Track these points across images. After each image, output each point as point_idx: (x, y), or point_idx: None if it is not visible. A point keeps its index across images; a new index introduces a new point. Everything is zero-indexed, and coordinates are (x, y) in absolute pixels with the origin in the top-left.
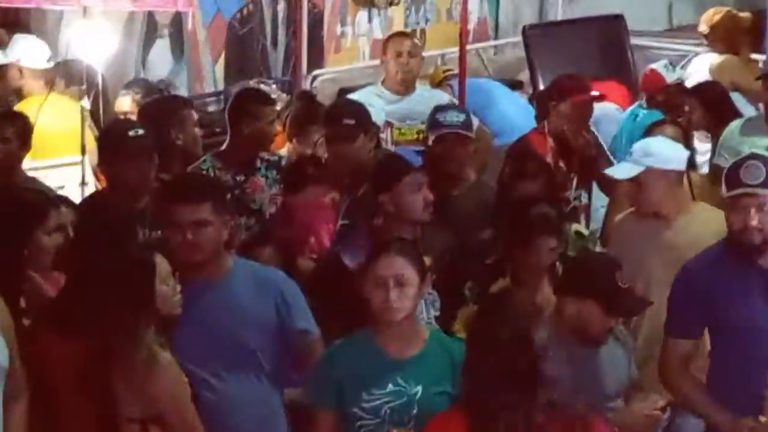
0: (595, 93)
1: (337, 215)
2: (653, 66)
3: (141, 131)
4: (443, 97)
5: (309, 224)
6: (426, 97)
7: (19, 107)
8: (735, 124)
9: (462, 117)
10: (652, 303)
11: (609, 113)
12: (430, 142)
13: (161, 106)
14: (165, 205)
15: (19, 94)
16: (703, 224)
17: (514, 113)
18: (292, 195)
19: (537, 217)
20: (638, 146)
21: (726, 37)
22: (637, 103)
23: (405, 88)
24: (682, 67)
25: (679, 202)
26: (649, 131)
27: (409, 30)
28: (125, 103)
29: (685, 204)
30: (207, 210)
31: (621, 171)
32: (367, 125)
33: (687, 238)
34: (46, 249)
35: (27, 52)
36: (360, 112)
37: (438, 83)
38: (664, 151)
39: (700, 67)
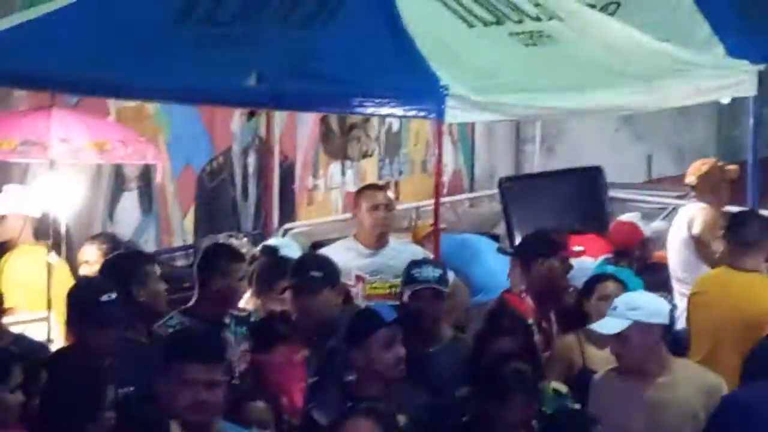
0: (578, 248)
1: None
2: (626, 218)
3: (113, 295)
4: (416, 251)
5: (281, 383)
6: (399, 251)
7: None
8: None
9: (438, 272)
10: None
11: (585, 268)
12: (405, 298)
13: (124, 261)
14: (174, 362)
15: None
16: (686, 382)
17: (501, 269)
18: (262, 354)
19: (511, 374)
20: (623, 300)
21: (713, 188)
22: (602, 259)
23: (378, 242)
24: (664, 219)
25: (662, 359)
26: (591, 286)
27: (382, 182)
28: (90, 253)
29: (667, 360)
30: (221, 370)
31: (608, 326)
32: (334, 278)
33: (670, 396)
34: (8, 407)
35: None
36: (326, 264)
37: (424, 236)
38: (650, 305)
39: (681, 219)
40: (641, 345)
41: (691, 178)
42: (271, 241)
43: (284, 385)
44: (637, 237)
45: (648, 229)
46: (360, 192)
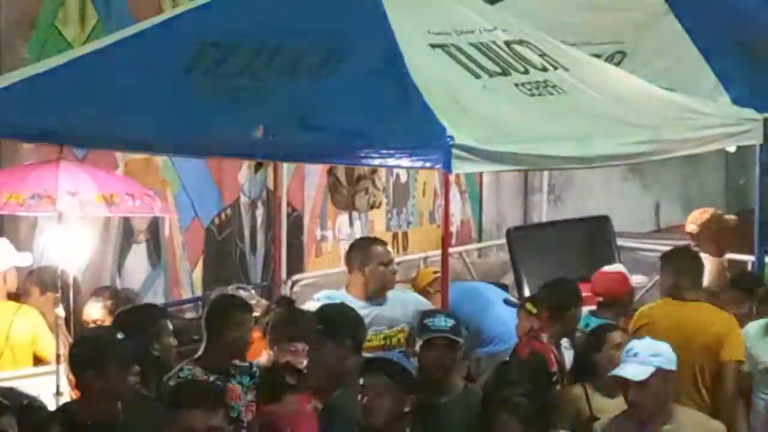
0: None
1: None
2: (610, 269)
3: (121, 336)
4: (412, 299)
5: None
6: (392, 300)
7: None
8: (753, 327)
9: (450, 322)
10: None
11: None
12: (417, 348)
13: (139, 315)
14: (176, 411)
15: None
16: (690, 429)
17: (511, 319)
18: (270, 404)
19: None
20: (643, 347)
21: (713, 237)
22: (587, 311)
23: (379, 296)
24: None
25: (670, 406)
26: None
27: (390, 234)
28: (95, 311)
29: (672, 407)
30: (221, 416)
31: (634, 372)
32: (337, 331)
33: None
34: None
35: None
36: (331, 317)
37: (426, 285)
38: (669, 352)
39: None
40: (661, 391)
41: (692, 227)
42: (323, 293)
43: None
44: (625, 287)
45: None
46: (364, 247)
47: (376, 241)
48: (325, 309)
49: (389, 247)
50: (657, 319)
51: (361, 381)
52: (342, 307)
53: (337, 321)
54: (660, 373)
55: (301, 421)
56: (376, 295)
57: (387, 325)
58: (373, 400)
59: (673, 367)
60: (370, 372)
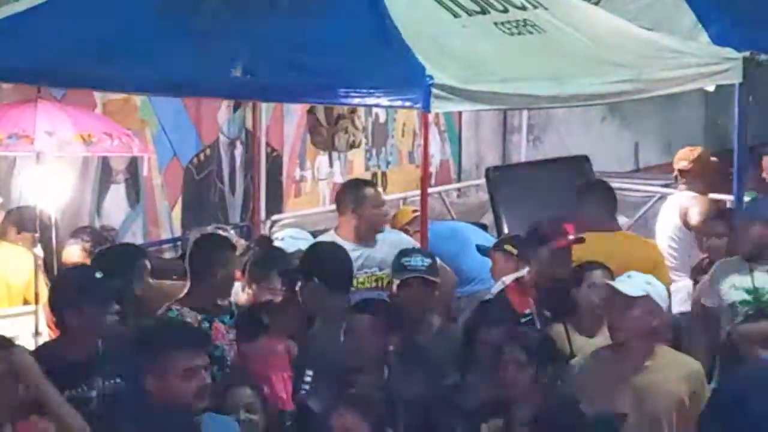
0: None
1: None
2: None
3: (99, 275)
4: (401, 239)
5: (262, 373)
6: (382, 241)
7: None
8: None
9: (428, 261)
10: None
11: None
12: (394, 287)
13: (118, 255)
14: (157, 350)
15: None
16: (670, 367)
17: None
18: (246, 343)
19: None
20: (639, 275)
21: (702, 175)
22: None
23: (370, 238)
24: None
25: (652, 344)
26: (581, 273)
27: (369, 173)
28: (74, 253)
29: (653, 345)
30: (205, 356)
31: (623, 287)
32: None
33: (657, 380)
34: None
35: None
36: (311, 258)
37: (405, 223)
38: (663, 290)
39: (671, 207)
40: (646, 320)
41: (682, 163)
42: (286, 232)
43: (265, 376)
44: None
45: None
46: (356, 190)
47: (368, 183)
48: (309, 248)
49: (380, 189)
50: (584, 255)
51: (347, 321)
52: (323, 245)
53: (315, 260)
54: (649, 300)
55: (274, 362)
56: (366, 237)
57: (378, 266)
58: (358, 340)
59: (662, 304)
60: (355, 312)
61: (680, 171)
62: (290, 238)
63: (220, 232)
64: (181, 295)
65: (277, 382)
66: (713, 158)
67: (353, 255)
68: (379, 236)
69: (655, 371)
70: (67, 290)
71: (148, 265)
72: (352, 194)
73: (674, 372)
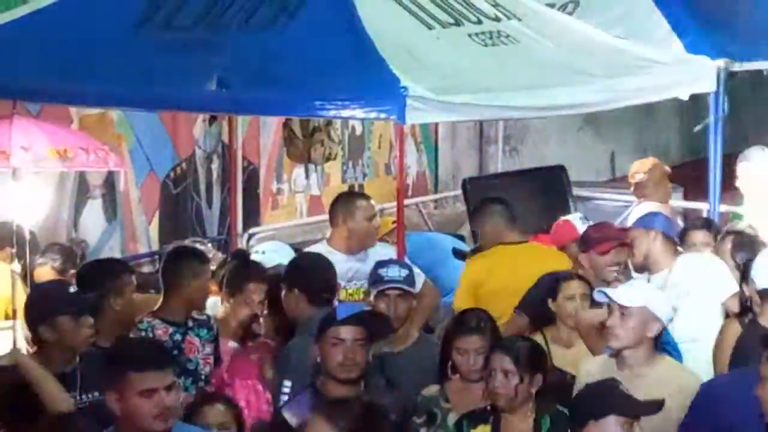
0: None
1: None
2: (568, 218)
3: (75, 290)
4: (390, 253)
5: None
6: (372, 255)
7: None
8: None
9: (404, 272)
10: None
11: None
12: (371, 298)
13: (100, 269)
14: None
15: None
16: (666, 380)
17: None
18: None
19: None
20: (641, 282)
21: (659, 185)
22: None
23: (362, 250)
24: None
25: (651, 355)
26: (556, 284)
27: (346, 185)
28: (44, 274)
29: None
30: (172, 374)
31: (618, 295)
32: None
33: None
34: None
35: None
36: (292, 268)
37: (384, 234)
38: (664, 304)
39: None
40: (641, 330)
41: (639, 176)
42: (266, 245)
43: (231, 385)
44: (572, 236)
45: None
46: (348, 202)
47: (361, 195)
48: (293, 259)
49: (372, 201)
50: (494, 267)
51: (340, 333)
52: (307, 256)
53: (297, 270)
54: (645, 312)
55: (244, 368)
56: (358, 249)
57: (367, 280)
58: (354, 351)
59: (661, 319)
60: (349, 324)
61: (637, 184)
62: (271, 252)
63: (198, 245)
64: (156, 307)
65: (238, 390)
66: (666, 168)
67: (344, 266)
68: (371, 251)
69: (653, 383)
70: (40, 305)
71: (134, 280)
72: (344, 206)
73: (668, 386)
